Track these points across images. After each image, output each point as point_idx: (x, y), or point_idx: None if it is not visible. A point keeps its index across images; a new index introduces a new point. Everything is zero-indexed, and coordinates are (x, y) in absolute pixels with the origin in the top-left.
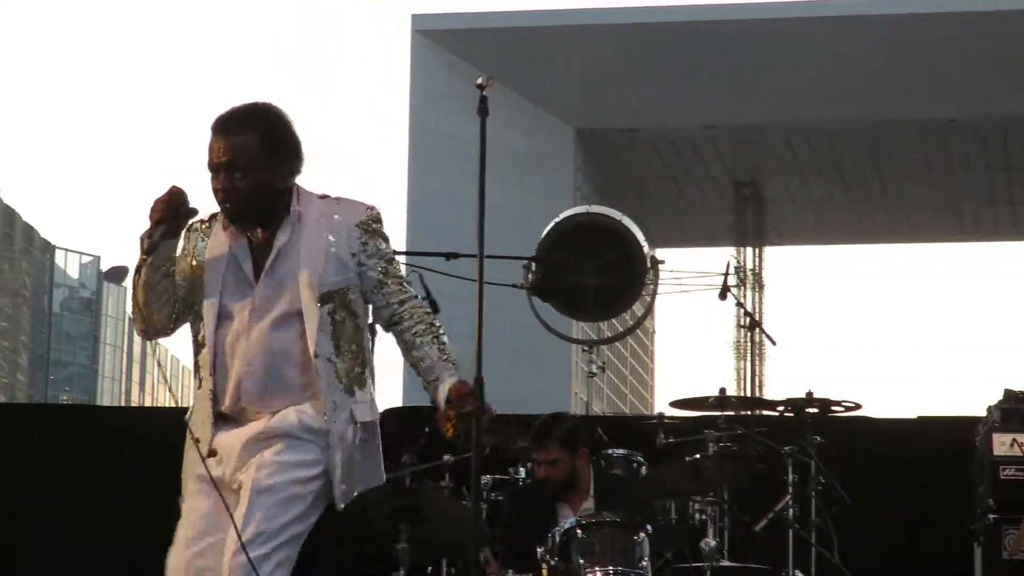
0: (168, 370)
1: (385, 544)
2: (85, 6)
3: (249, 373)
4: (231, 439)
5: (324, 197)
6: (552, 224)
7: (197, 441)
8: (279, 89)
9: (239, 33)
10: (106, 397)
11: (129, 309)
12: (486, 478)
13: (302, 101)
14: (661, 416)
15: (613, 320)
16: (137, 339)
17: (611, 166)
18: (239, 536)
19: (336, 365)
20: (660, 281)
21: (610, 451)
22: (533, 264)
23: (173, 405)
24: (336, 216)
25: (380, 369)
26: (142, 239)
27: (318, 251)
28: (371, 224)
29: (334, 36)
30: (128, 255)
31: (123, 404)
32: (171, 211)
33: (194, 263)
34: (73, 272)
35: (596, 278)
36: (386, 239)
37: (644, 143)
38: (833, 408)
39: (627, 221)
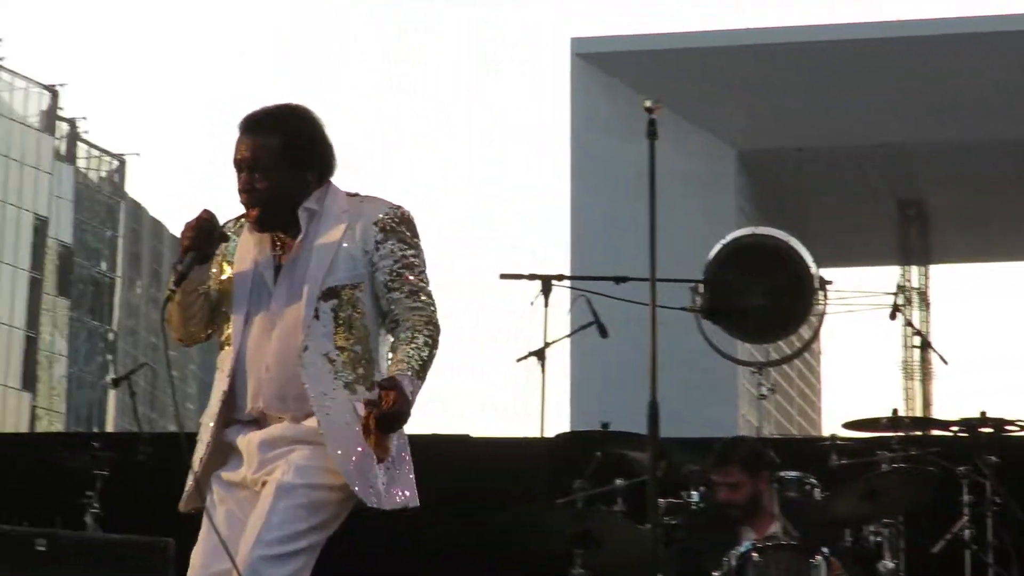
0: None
1: (560, 569)
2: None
3: (268, 379)
4: (251, 440)
5: (353, 195)
6: (719, 246)
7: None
8: (438, 115)
9: (388, 61)
10: None
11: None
12: (660, 502)
13: (462, 125)
14: (833, 437)
15: (780, 342)
16: None
17: (773, 186)
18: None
19: (336, 362)
20: (827, 302)
21: (783, 474)
22: (701, 286)
23: None
24: (356, 212)
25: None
26: (173, 267)
27: (330, 246)
28: (391, 223)
29: (495, 61)
30: None
31: None
32: (202, 237)
33: (225, 266)
34: None
35: (764, 300)
36: (408, 242)
37: (807, 163)
38: (1007, 427)
39: (794, 242)
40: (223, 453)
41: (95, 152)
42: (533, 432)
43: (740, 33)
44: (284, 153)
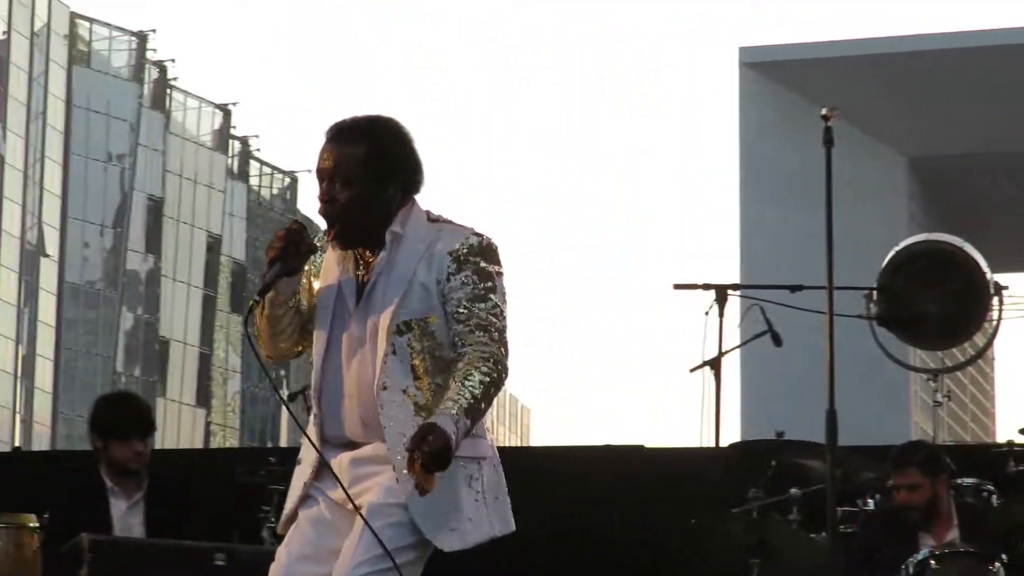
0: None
1: None
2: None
3: (350, 407)
4: (342, 460)
5: (435, 220)
6: (892, 252)
7: (298, 462)
8: (609, 127)
9: (557, 64)
10: None
11: None
12: (836, 510)
13: (631, 137)
14: (1010, 443)
15: (954, 348)
16: None
17: (945, 192)
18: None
19: (415, 398)
20: (1002, 307)
21: (959, 480)
22: (875, 294)
23: (518, 444)
24: (433, 241)
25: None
26: (261, 277)
27: (404, 277)
28: (466, 254)
29: (664, 70)
30: None
31: None
32: (289, 249)
33: (313, 280)
34: None
35: (939, 306)
36: (482, 273)
37: (979, 168)
38: None
39: (968, 247)
40: (320, 472)
41: (267, 170)
42: (707, 442)
43: (909, 39)
44: (367, 163)
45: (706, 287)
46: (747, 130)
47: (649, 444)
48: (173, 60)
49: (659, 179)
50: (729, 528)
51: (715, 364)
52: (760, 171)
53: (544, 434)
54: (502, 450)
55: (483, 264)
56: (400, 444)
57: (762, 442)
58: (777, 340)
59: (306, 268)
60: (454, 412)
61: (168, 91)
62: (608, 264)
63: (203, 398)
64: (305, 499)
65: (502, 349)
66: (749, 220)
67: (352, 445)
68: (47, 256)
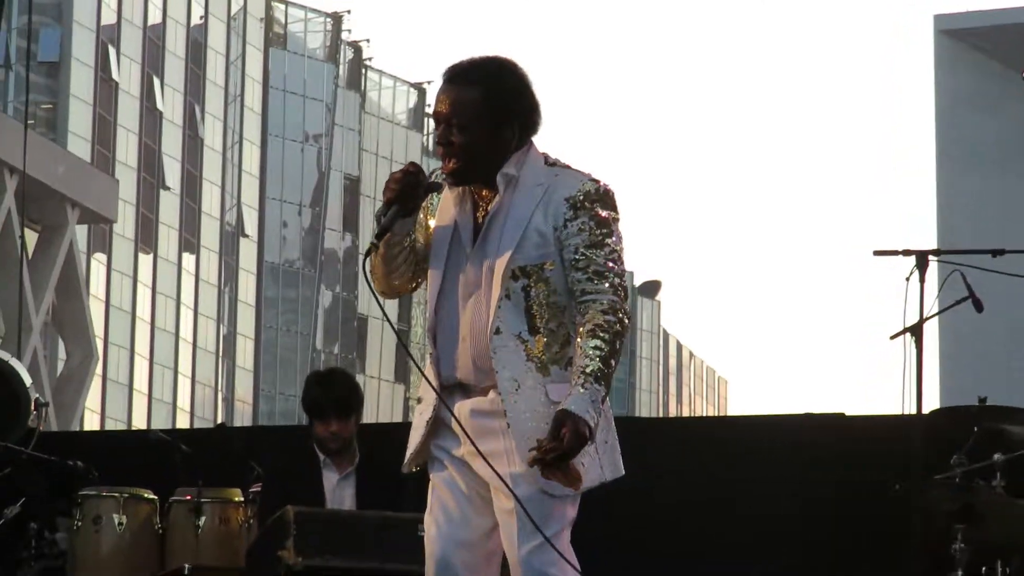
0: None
1: (941, 545)
2: None
3: (463, 350)
4: (461, 410)
5: (553, 164)
6: None
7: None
8: (802, 94)
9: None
10: (643, 410)
11: (652, 323)
12: None
13: (828, 103)
14: None
15: None
16: (673, 352)
17: None
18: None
19: (528, 343)
20: None
21: None
22: None
23: (715, 414)
24: (550, 187)
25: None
26: (376, 217)
27: (520, 221)
28: (582, 200)
29: (857, 38)
30: (660, 270)
31: (660, 416)
32: (407, 191)
33: (429, 220)
34: None
35: None
36: (600, 220)
37: None
38: None
39: None
40: (438, 427)
41: None
42: (909, 409)
43: None
44: (484, 106)
45: (906, 253)
46: (943, 97)
47: (850, 412)
48: (368, 40)
49: (857, 147)
50: (932, 495)
51: (916, 330)
52: (957, 138)
53: (742, 405)
54: (700, 420)
55: (600, 210)
56: (513, 390)
57: (965, 408)
58: (978, 306)
59: (423, 206)
60: (585, 385)
61: (363, 71)
62: (807, 232)
63: (402, 374)
64: (433, 461)
65: (620, 295)
66: (945, 187)
67: (465, 387)
68: (246, 236)
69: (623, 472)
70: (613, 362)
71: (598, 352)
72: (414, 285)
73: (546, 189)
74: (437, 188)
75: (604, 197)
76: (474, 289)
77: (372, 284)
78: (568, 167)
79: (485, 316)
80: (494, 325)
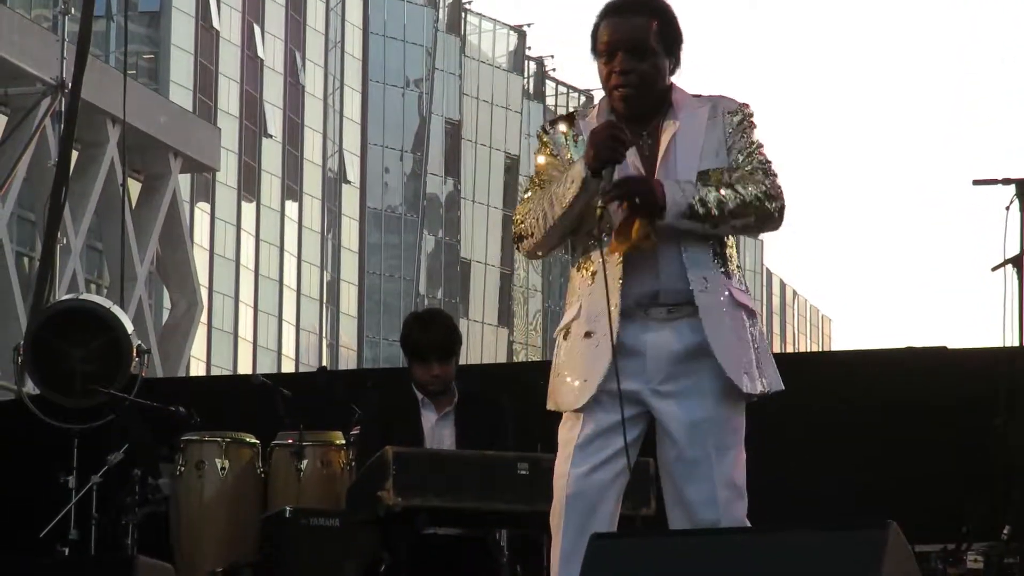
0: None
1: None
2: None
3: (651, 264)
4: (649, 344)
5: (697, 96)
6: None
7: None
8: (909, 18)
9: None
10: None
11: (755, 262)
12: None
13: (925, 29)
14: None
15: None
16: (776, 291)
17: None
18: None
19: (713, 246)
20: None
21: None
22: None
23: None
24: (712, 106)
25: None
26: (585, 183)
27: (696, 135)
28: (746, 115)
29: None
30: None
31: None
32: (617, 148)
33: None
34: None
35: None
36: (756, 134)
37: None
38: None
39: None
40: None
41: (563, 89)
42: (1011, 341)
43: None
44: (659, 34)
45: (1005, 182)
46: None
47: (952, 345)
48: None
49: (957, 76)
50: None
51: (1017, 262)
52: None
53: (846, 343)
54: (803, 356)
55: (756, 126)
56: (703, 288)
57: None
58: None
59: (562, 153)
60: (687, 191)
61: (463, 14)
62: (907, 162)
63: (505, 318)
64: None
65: (781, 190)
66: None
67: (642, 312)
68: (348, 183)
69: (782, 387)
70: (714, 216)
71: (717, 196)
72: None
73: (710, 108)
74: (632, 144)
75: (754, 116)
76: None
77: (526, 241)
78: (713, 95)
79: (673, 226)
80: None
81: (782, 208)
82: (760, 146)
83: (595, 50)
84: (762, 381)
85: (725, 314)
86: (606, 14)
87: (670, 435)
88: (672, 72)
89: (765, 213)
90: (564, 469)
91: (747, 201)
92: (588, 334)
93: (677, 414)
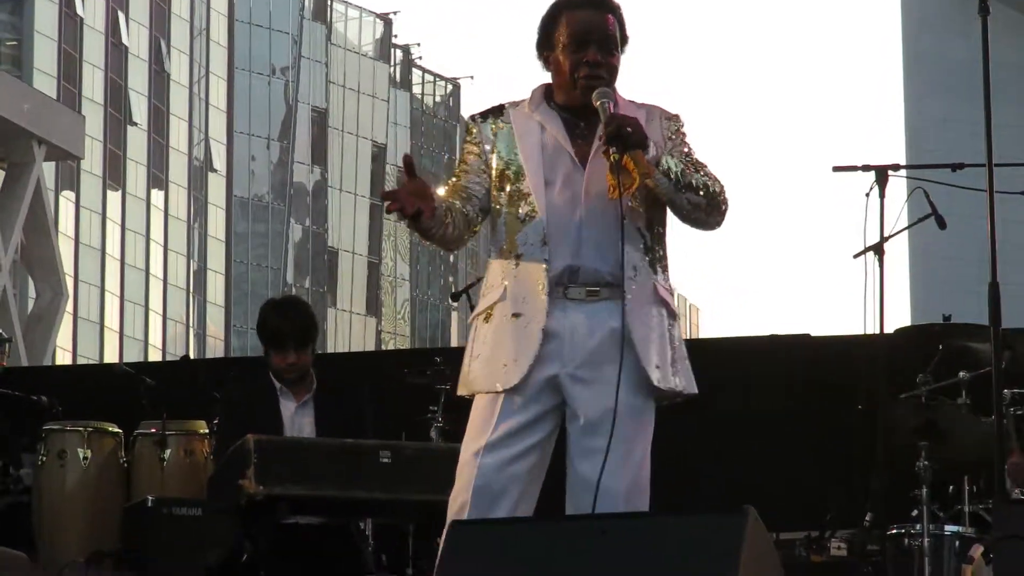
0: None
1: (906, 462)
2: None
3: (585, 241)
4: (568, 327)
5: (631, 100)
6: None
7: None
8: (769, 10)
9: None
10: None
11: None
12: (1005, 392)
13: (793, 21)
14: None
15: None
16: None
17: None
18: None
19: (646, 237)
20: None
21: None
22: None
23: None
24: (647, 110)
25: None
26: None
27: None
28: (680, 125)
29: None
30: None
31: None
32: (412, 200)
33: (496, 158)
34: None
35: None
36: (687, 143)
37: None
38: None
39: None
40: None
41: (429, 77)
42: (873, 328)
43: None
44: (620, 32)
45: (865, 168)
46: (909, 17)
47: (815, 332)
48: None
49: (822, 63)
50: (897, 413)
51: (878, 249)
52: (923, 62)
53: (713, 331)
54: None
55: (686, 138)
56: (632, 277)
57: (929, 326)
58: (941, 223)
59: (486, 148)
60: (663, 160)
61: (329, 2)
62: (769, 149)
63: (373, 307)
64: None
65: (724, 191)
66: (913, 112)
67: (566, 294)
68: (215, 171)
69: (696, 391)
70: (690, 191)
71: (696, 179)
72: (469, 236)
73: (645, 112)
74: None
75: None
76: (592, 188)
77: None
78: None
79: (611, 208)
80: (622, 214)
81: (726, 210)
82: (696, 159)
83: (550, 42)
84: (675, 380)
85: (650, 307)
86: (569, 6)
87: (579, 422)
88: None
89: (716, 202)
90: (474, 458)
91: (706, 183)
92: (516, 315)
93: (589, 400)
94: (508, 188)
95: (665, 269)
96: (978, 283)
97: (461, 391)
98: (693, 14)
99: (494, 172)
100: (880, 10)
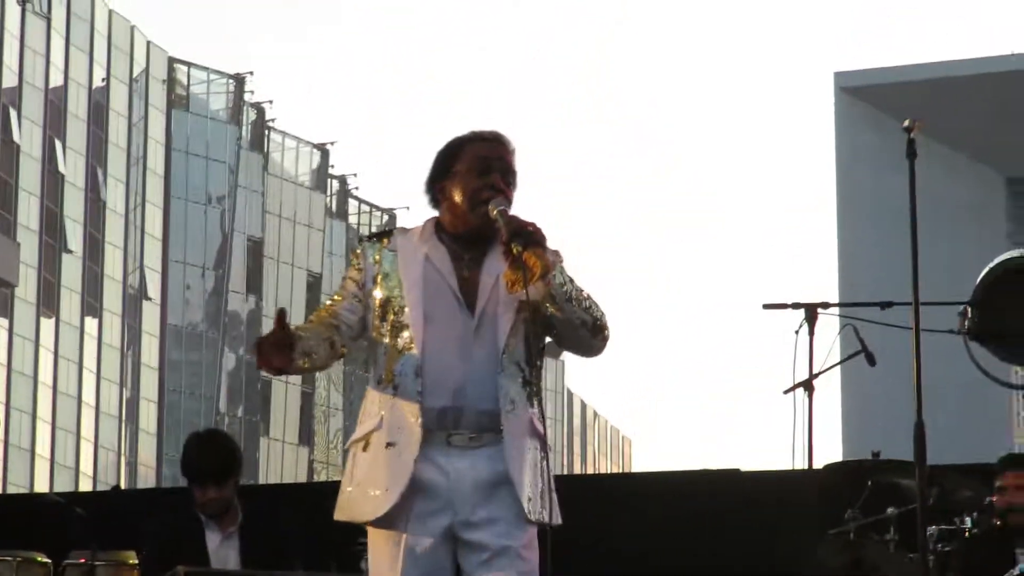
0: None
1: None
2: None
3: (463, 383)
4: (455, 475)
5: None
6: (988, 268)
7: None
8: (702, 145)
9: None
10: None
11: (557, 382)
12: (932, 529)
13: (725, 156)
14: None
15: None
16: (577, 412)
17: None
18: None
19: (525, 372)
20: None
21: None
22: (969, 310)
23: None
24: None
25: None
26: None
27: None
28: (559, 256)
29: (756, 93)
30: None
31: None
32: (281, 353)
33: (379, 285)
34: None
35: None
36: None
37: None
38: None
39: None
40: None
41: (365, 208)
42: (802, 464)
43: (1006, 59)
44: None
45: (795, 306)
46: (843, 153)
47: (745, 468)
48: (271, 101)
49: (751, 200)
50: (826, 549)
51: (808, 385)
52: (857, 194)
53: (646, 463)
54: (603, 477)
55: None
56: (509, 412)
57: (858, 462)
58: (871, 359)
59: (368, 274)
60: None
61: (266, 132)
62: (700, 284)
63: (306, 436)
64: (406, 522)
65: (606, 320)
66: (846, 242)
67: (445, 434)
68: (149, 299)
69: (560, 522)
70: (579, 311)
71: (583, 297)
72: (333, 363)
73: None
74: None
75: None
76: (473, 325)
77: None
78: None
79: (495, 345)
80: (503, 347)
81: (608, 335)
82: (577, 288)
83: (447, 173)
84: (544, 512)
85: (525, 440)
86: (475, 139)
87: (473, 561)
88: None
89: (600, 327)
90: None
91: (591, 305)
92: (390, 444)
93: (484, 541)
94: (391, 318)
95: (540, 402)
96: (906, 419)
97: (338, 516)
98: (630, 147)
99: (377, 301)
100: (814, 143)
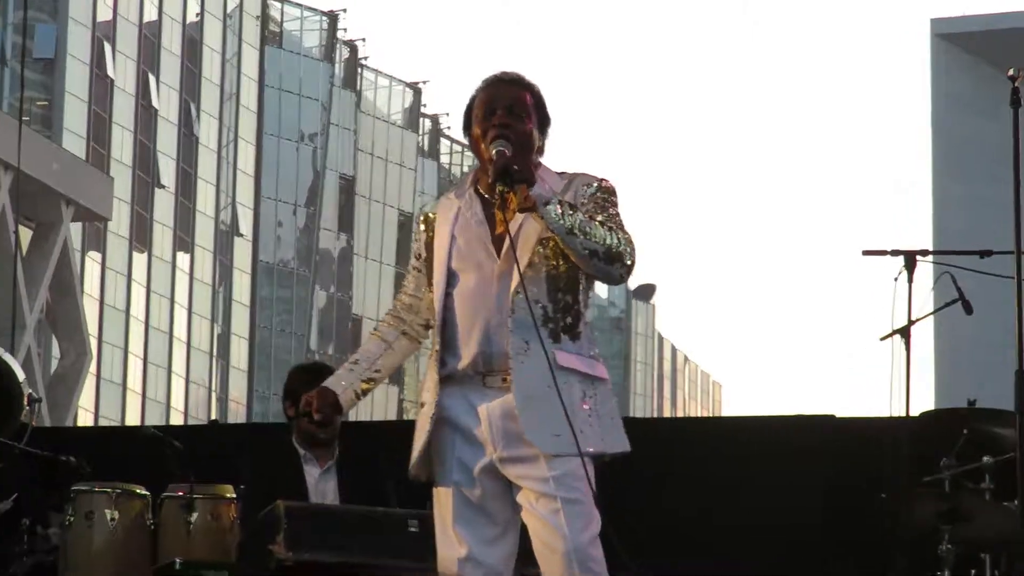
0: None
1: (928, 546)
2: None
3: (490, 326)
4: (488, 412)
5: (561, 174)
6: None
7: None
8: (800, 95)
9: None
10: (638, 413)
11: (647, 326)
12: None
13: (824, 105)
14: None
15: None
16: (667, 356)
17: None
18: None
19: (546, 309)
20: None
21: None
22: None
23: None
24: (569, 180)
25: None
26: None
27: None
28: (601, 187)
29: (853, 40)
30: (655, 274)
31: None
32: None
33: (428, 244)
34: (602, 292)
35: None
36: (609, 203)
37: None
38: None
39: None
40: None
41: (457, 147)
42: (898, 411)
43: None
44: (534, 105)
45: (894, 253)
46: (939, 101)
47: (840, 414)
48: (363, 39)
49: (849, 148)
50: (921, 497)
51: (905, 332)
52: (952, 141)
53: (736, 409)
54: (693, 420)
55: (611, 199)
56: (522, 352)
57: (954, 411)
58: (968, 308)
59: (421, 246)
60: (561, 204)
61: (359, 70)
62: (799, 232)
63: (395, 375)
64: (447, 472)
65: (633, 249)
66: (941, 190)
67: (477, 377)
68: (241, 236)
69: (628, 449)
70: (576, 231)
71: (593, 227)
72: (413, 352)
73: (566, 183)
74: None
75: (612, 191)
76: (496, 269)
77: None
78: (577, 172)
79: (509, 287)
80: (516, 289)
81: (631, 263)
82: (616, 215)
83: (469, 124)
84: (574, 446)
85: (540, 379)
86: (489, 83)
87: (517, 495)
88: (540, 152)
89: (614, 255)
90: (442, 552)
91: (605, 235)
92: (423, 404)
93: (520, 474)
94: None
95: (576, 337)
96: (1004, 368)
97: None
98: (728, 96)
99: (427, 267)
100: (909, 91)
